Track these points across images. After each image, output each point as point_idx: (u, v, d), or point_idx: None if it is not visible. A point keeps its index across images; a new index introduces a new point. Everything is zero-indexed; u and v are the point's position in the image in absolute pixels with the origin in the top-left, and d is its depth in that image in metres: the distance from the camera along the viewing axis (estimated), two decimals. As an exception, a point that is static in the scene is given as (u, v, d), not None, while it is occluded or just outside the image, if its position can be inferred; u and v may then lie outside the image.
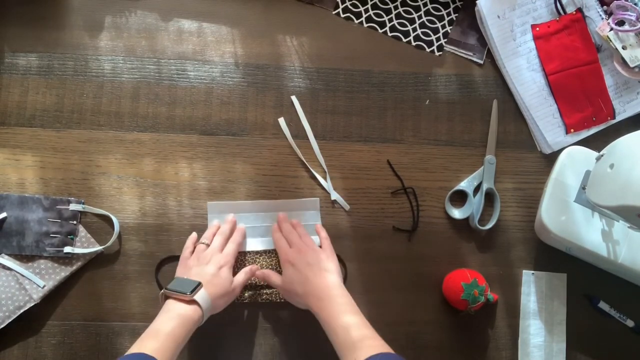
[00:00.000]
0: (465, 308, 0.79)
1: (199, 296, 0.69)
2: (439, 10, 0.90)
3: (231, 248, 0.79)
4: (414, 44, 0.89)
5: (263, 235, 0.83)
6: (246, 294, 0.81)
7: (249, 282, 0.81)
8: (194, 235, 0.81)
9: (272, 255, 0.83)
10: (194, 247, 0.79)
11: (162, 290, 0.71)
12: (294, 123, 0.86)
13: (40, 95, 0.84)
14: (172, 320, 0.67)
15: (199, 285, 0.70)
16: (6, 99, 0.83)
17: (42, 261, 0.79)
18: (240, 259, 0.82)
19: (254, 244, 0.83)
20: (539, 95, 0.87)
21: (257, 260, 0.82)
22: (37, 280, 0.78)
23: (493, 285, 0.83)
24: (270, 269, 0.81)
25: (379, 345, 0.65)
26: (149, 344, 0.64)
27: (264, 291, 0.81)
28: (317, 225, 0.83)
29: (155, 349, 0.63)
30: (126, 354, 0.62)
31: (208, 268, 0.74)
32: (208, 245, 0.78)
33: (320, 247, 0.80)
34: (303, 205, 0.84)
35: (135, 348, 0.63)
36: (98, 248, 0.80)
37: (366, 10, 0.89)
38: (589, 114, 0.87)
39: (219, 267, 0.75)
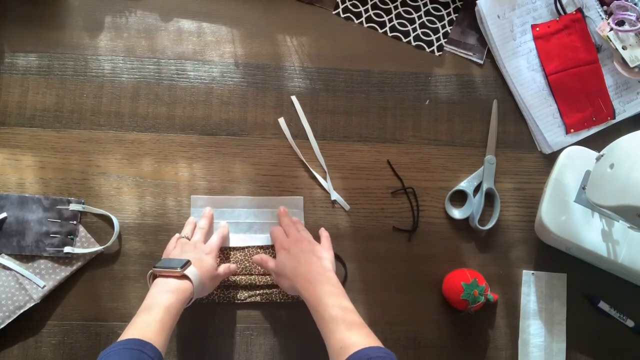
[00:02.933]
0: (465, 308, 0.79)
1: (190, 271, 0.69)
2: (439, 10, 0.90)
3: (215, 239, 0.78)
4: (414, 44, 0.89)
5: (245, 231, 0.83)
6: (245, 294, 0.81)
7: (248, 282, 0.81)
8: (177, 235, 0.80)
9: (256, 252, 0.82)
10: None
11: (151, 270, 0.70)
12: (294, 123, 0.86)
13: (40, 95, 0.84)
14: (164, 293, 0.66)
15: (188, 262, 0.70)
16: (6, 99, 0.83)
17: (42, 261, 0.79)
18: (225, 255, 0.82)
19: (236, 240, 0.82)
20: (539, 95, 0.87)
21: (241, 258, 0.81)
22: (37, 280, 0.78)
23: (493, 285, 0.83)
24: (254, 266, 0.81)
25: (366, 335, 0.63)
26: (144, 320, 0.62)
27: (264, 291, 0.81)
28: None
29: (151, 327, 0.61)
30: (119, 339, 0.61)
31: (192, 254, 0.73)
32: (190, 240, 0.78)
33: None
34: (286, 204, 0.83)
35: (131, 330, 0.61)
36: (98, 248, 0.80)
37: (366, 10, 0.89)
38: (589, 114, 0.87)
39: (204, 255, 0.74)
